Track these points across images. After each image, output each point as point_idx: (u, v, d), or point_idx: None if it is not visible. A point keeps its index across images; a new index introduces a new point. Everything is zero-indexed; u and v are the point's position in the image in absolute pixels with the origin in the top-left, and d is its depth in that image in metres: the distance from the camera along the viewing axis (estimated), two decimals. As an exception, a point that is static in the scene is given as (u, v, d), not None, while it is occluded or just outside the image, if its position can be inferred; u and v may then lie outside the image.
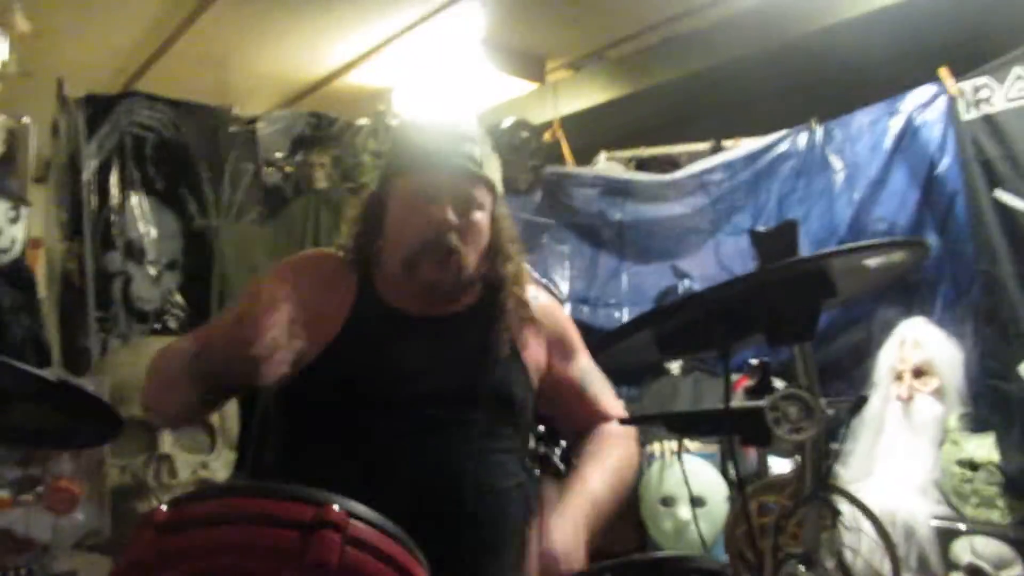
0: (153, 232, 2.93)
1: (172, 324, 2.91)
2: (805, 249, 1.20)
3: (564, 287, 3.47)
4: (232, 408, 2.51)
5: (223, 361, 1.15)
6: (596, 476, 1.39)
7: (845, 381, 2.77)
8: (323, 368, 1.32)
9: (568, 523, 1.26)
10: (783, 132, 3.16)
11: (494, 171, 1.43)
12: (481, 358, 1.37)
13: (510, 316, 1.41)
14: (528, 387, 1.42)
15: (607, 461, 1.43)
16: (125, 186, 2.90)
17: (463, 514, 1.27)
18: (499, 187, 1.44)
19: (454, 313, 1.41)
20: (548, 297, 1.56)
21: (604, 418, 1.51)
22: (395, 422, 1.29)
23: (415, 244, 1.35)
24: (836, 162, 3.00)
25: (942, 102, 2.69)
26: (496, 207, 1.44)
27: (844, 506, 1.88)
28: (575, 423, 1.53)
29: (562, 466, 2.58)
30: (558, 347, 1.48)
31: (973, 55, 2.66)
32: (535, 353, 1.45)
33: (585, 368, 1.51)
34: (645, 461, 2.75)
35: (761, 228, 1.24)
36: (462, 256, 1.35)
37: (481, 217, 1.39)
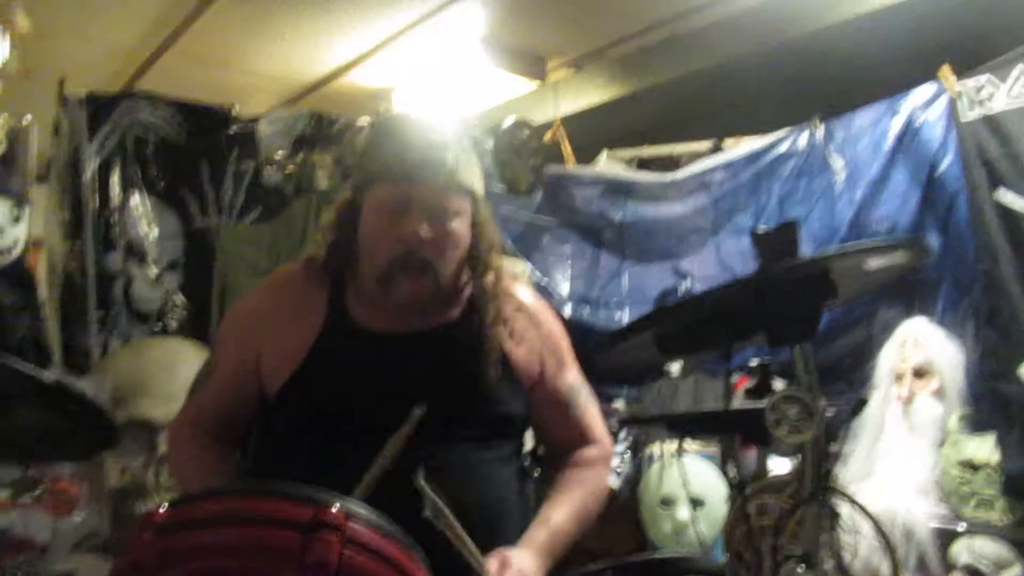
0: (154, 232, 2.93)
1: (173, 324, 2.91)
2: (806, 249, 1.20)
3: (565, 287, 3.47)
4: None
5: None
6: (562, 510, 1.37)
7: (845, 382, 2.77)
8: (291, 395, 1.30)
9: (526, 554, 1.26)
10: (783, 132, 3.16)
11: (474, 175, 1.36)
12: (465, 377, 1.32)
13: (495, 328, 1.35)
14: (518, 398, 1.38)
15: (575, 493, 1.40)
16: (126, 186, 2.90)
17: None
18: (480, 190, 1.37)
19: (432, 329, 1.36)
20: (540, 300, 1.51)
21: (585, 439, 1.47)
22: (370, 448, 1.22)
23: (387, 259, 1.30)
24: (837, 162, 2.99)
25: (943, 102, 2.68)
26: (477, 212, 1.37)
27: (843, 507, 1.88)
28: (556, 438, 1.48)
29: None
30: (550, 357, 1.43)
31: (973, 55, 2.66)
32: (525, 360, 1.40)
33: (572, 384, 1.46)
34: (645, 461, 2.75)
35: (762, 228, 1.24)
36: (437, 270, 1.31)
37: (458, 226, 1.32)
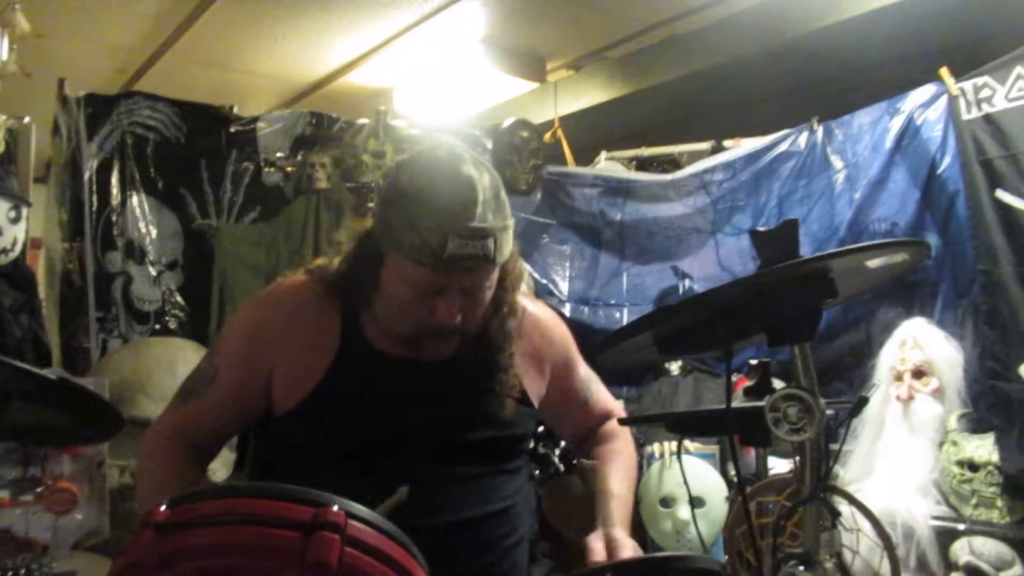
0: (153, 232, 2.93)
1: (172, 324, 2.91)
2: (805, 249, 1.20)
3: (564, 287, 3.47)
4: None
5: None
6: (619, 482, 1.42)
7: (845, 382, 2.78)
8: (308, 413, 1.27)
9: (619, 531, 1.32)
10: (783, 132, 3.16)
11: (510, 238, 1.24)
12: (479, 402, 1.32)
13: (507, 346, 1.35)
14: (528, 418, 1.40)
15: (619, 462, 1.47)
16: (125, 186, 2.89)
17: (460, 545, 1.25)
18: (512, 249, 1.27)
19: (446, 357, 1.32)
20: (546, 312, 1.49)
21: (606, 416, 1.55)
22: (388, 470, 1.23)
23: (413, 325, 1.25)
24: (837, 162, 3.00)
25: (943, 102, 2.68)
26: (510, 260, 1.30)
27: (843, 506, 1.88)
28: (577, 427, 1.56)
29: (561, 466, 2.59)
30: (561, 367, 1.46)
31: (973, 55, 2.66)
32: (534, 381, 1.40)
33: (584, 377, 1.52)
34: (645, 461, 2.75)
35: (761, 228, 1.24)
36: (464, 332, 1.28)
37: (488, 290, 1.27)
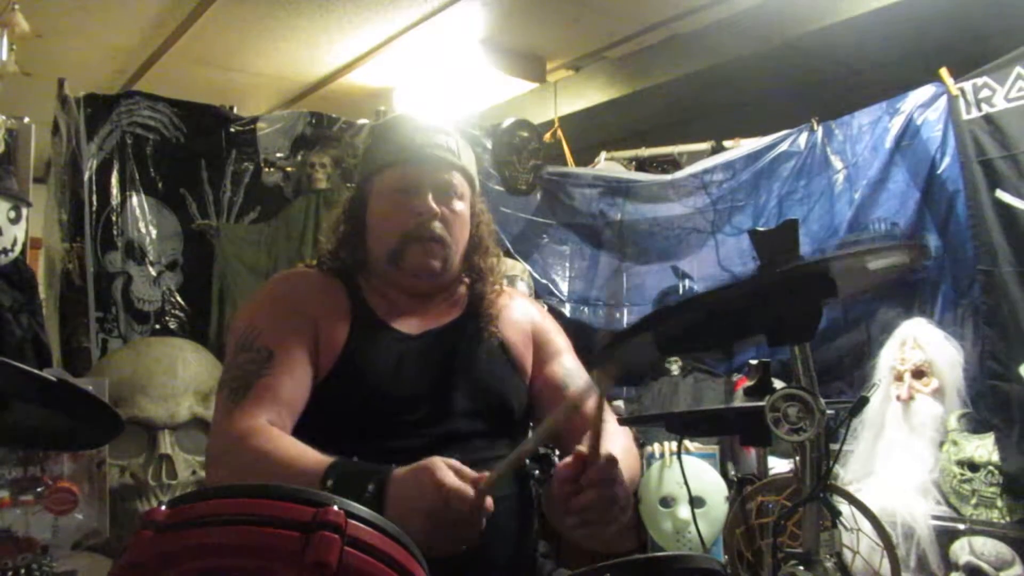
0: (153, 232, 2.93)
1: (172, 324, 2.91)
2: (805, 249, 1.21)
3: (564, 287, 3.47)
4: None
5: None
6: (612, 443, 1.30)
7: (845, 382, 2.78)
8: (327, 392, 1.30)
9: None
10: (783, 132, 3.16)
11: (471, 164, 1.46)
12: (477, 373, 1.37)
13: (497, 321, 1.43)
14: (522, 393, 1.43)
15: (615, 444, 1.34)
16: (125, 186, 2.89)
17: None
18: (476, 179, 1.47)
19: (444, 328, 1.41)
20: (526, 298, 1.60)
21: None
22: (396, 442, 1.27)
23: (399, 234, 1.36)
24: (836, 162, 3.00)
25: (942, 102, 2.68)
26: (475, 200, 1.46)
27: (844, 506, 1.88)
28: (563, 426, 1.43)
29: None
30: (541, 347, 1.49)
31: (973, 55, 2.66)
32: (522, 354, 1.46)
33: (569, 368, 1.48)
34: (645, 461, 2.75)
35: (761, 228, 1.24)
36: (446, 244, 1.38)
37: (462, 207, 1.41)
